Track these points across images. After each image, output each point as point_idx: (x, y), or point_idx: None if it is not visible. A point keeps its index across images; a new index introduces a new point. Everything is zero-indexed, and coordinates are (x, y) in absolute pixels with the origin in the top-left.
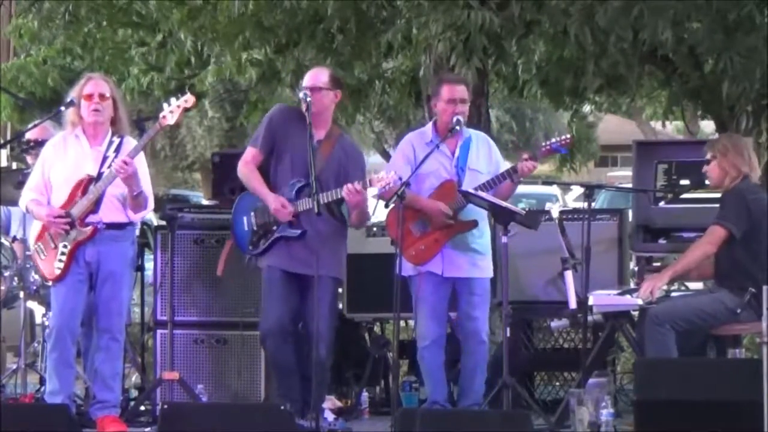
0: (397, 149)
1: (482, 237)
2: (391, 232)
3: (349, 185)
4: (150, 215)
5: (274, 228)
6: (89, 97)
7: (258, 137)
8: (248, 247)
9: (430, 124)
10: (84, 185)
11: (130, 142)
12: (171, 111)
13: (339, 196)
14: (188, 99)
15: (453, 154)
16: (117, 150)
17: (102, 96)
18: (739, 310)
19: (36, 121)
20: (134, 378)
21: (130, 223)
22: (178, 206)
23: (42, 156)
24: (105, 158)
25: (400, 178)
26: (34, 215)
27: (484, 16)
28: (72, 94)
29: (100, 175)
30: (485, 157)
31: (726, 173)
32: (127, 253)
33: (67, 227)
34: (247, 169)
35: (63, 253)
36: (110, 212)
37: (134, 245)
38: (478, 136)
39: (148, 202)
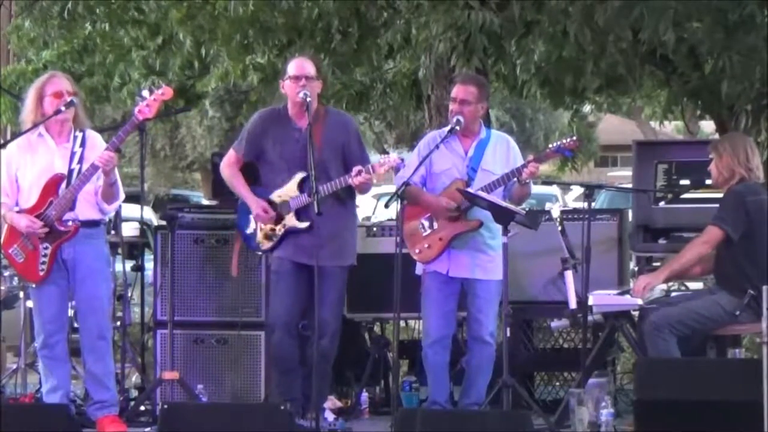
0: (416, 147)
1: (495, 238)
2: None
3: (354, 177)
4: (150, 215)
5: (283, 224)
6: (58, 95)
7: (241, 143)
8: (258, 246)
9: None
10: (56, 185)
11: (93, 135)
12: (147, 105)
13: (341, 186)
14: (165, 91)
15: (466, 153)
16: (83, 144)
17: (69, 93)
18: (737, 312)
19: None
20: (134, 378)
21: (102, 221)
22: (178, 206)
23: (5, 158)
24: (73, 154)
25: (402, 160)
26: (7, 220)
27: (484, 17)
28: (32, 92)
29: (70, 171)
30: (502, 159)
31: (731, 173)
32: (103, 251)
33: (46, 230)
34: (229, 171)
35: (45, 255)
36: (85, 209)
37: (107, 244)
38: (498, 138)
39: (120, 193)
